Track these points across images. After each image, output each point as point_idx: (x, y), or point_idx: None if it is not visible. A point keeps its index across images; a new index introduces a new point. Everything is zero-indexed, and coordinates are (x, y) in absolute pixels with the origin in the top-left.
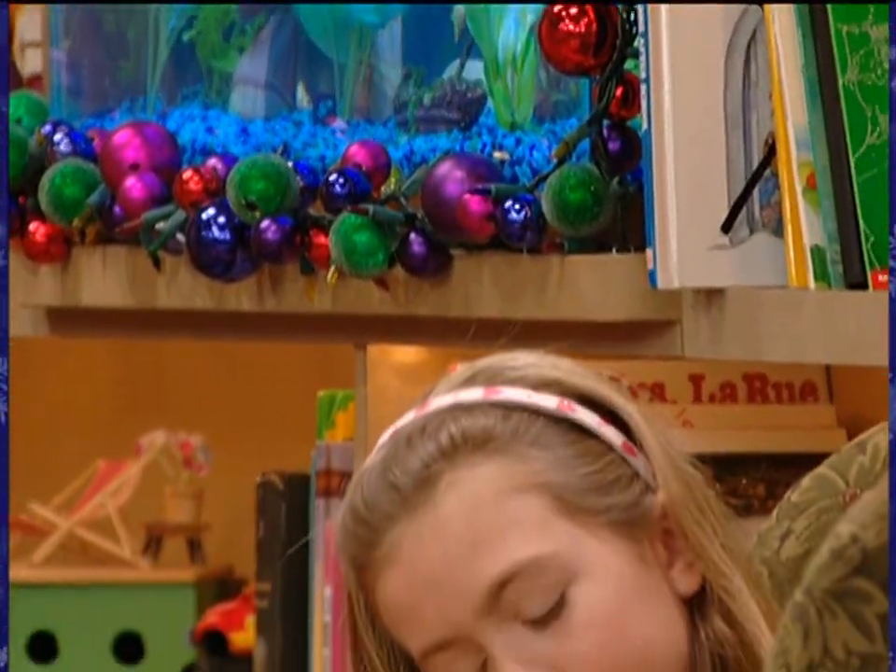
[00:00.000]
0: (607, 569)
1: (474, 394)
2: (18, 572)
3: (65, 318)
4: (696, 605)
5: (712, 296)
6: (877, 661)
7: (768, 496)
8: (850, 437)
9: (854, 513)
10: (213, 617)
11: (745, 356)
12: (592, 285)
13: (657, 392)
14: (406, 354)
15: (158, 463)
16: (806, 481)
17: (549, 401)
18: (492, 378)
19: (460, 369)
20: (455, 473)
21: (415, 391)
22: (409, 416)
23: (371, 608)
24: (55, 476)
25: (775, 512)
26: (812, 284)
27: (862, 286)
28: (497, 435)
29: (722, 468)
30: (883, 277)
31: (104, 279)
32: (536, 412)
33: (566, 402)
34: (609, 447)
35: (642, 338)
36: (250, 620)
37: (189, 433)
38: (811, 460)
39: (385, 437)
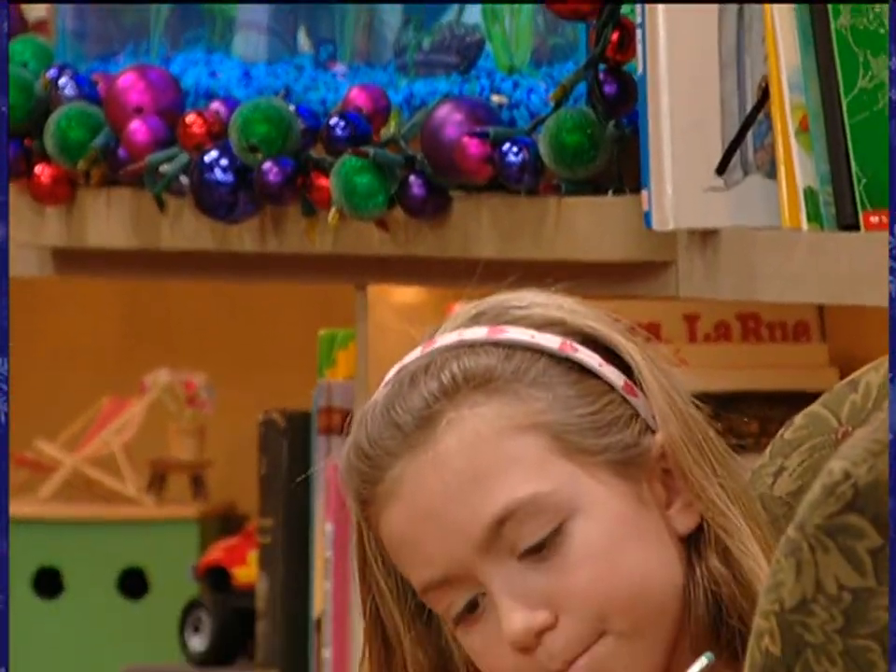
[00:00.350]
0: (603, 508)
1: (478, 333)
2: (23, 508)
3: (70, 259)
4: (693, 543)
5: (706, 237)
6: (869, 595)
7: (761, 433)
8: (842, 375)
9: (846, 451)
10: (216, 552)
11: (739, 296)
12: (588, 226)
13: (652, 332)
14: (405, 294)
15: (162, 401)
16: (799, 418)
17: (551, 341)
18: (497, 317)
19: (468, 306)
20: (455, 412)
21: (415, 330)
22: (415, 353)
23: (377, 540)
24: (60, 414)
25: (768, 449)
26: (805, 225)
27: (854, 227)
28: (499, 374)
29: (716, 406)
30: (874, 218)
31: (108, 220)
32: (538, 351)
33: (568, 342)
34: (609, 387)
35: (638, 278)
36: (252, 555)
37: (193, 372)
38: (804, 398)
39: (391, 373)
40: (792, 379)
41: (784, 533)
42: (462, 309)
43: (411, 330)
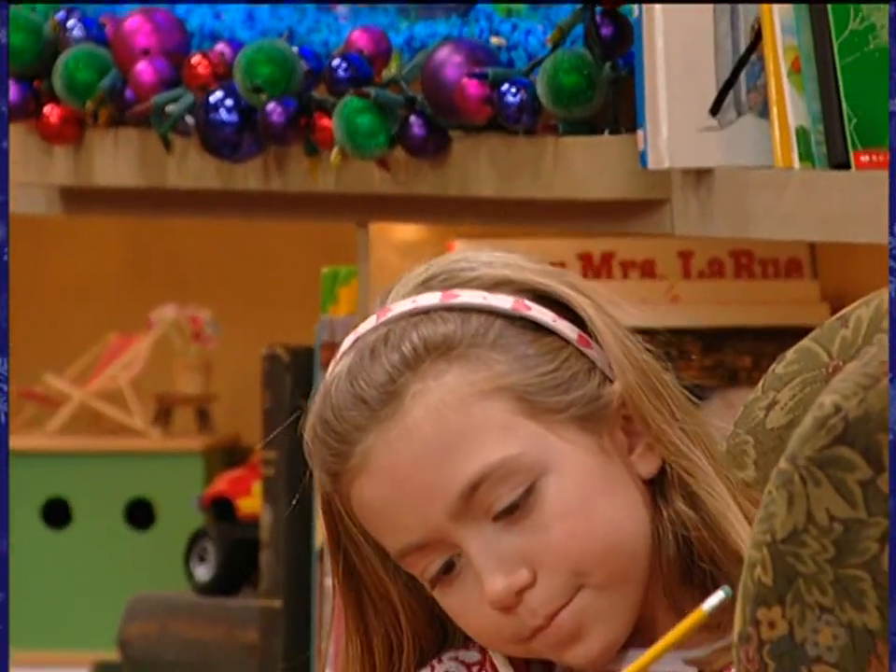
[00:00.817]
0: (571, 464)
1: (432, 299)
2: (33, 441)
3: (78, 198)
4: (658, 487)
5: (701, 176)
6: (860, 526)
7: (754, 367)
8: (833, 311)
9: (837, 385)
10: (221, 484)
11: (732, 233)
12: (585, 165)
13: (647, 268)
14: (406, 231)
15: (168, 336)
16: (791, 353)
17: (504, 301)
18: (447, 281)
19: (415, 271)
20: (420, 383)
21: (414, 266)
22: (370, 322)
23: (347, 510)
24: (69, 349)
25: (760, 383)
26: (797, 164)
27: (845, 166)
28: (458, 341)
29: (710, 341)
30: (865, 157)
31: (115, 160)
32: (492, 313)
33: (520, 301)
34: (565, 342)
35: (633, 216)
36: (257, 486)
37: (198, 308)
38: (795, 333)
39: (346, 344)
40: (784, 314)
41: (775, 465)
42: (410, 274)
43: (411, 267)
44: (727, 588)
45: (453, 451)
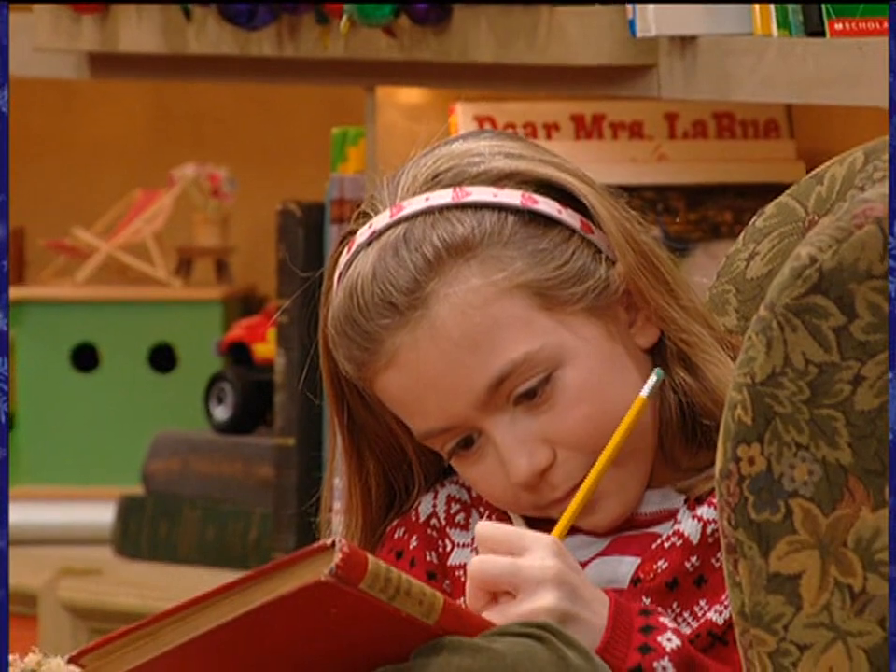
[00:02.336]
0: (585, 351)
1: (444, 196)
2: (62, 291)
3: (105, 63)
4: (659, 358)
5: (685, 43)
6: (833, 370)
7: (735, 222)
8: (809, 169)
9: (812, 238)
10: (238, 330)
11: (714, 96)
12: (577, 33)
13: (635, 130)
14: (410, 95)
15: (188, 193)
16: (770, 208)
17: (513, 197)
18: (456, 177)
19: (421, 164)
20: (445, 287)
21: (418, 128)
22: (384, 218)
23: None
24: (96, 204)
25: (741, 236)
26: (775, 31)
27: (820, 33)
28: (476, 242)
29: (693, 197)
30: (838, 25)
31: (139, 27)
32: (503, 209)
33: (527, 195)
34: (571, 231)
35: (622, 81)
36: (271, 333)
37: (217, 166)
38: (773, 190)
39: (363, 236)
40: (763, 172)
41: (755, 313)
42: (417, 165)
43: (415, 128)
44: (658, 371)
45: (478, 348)
